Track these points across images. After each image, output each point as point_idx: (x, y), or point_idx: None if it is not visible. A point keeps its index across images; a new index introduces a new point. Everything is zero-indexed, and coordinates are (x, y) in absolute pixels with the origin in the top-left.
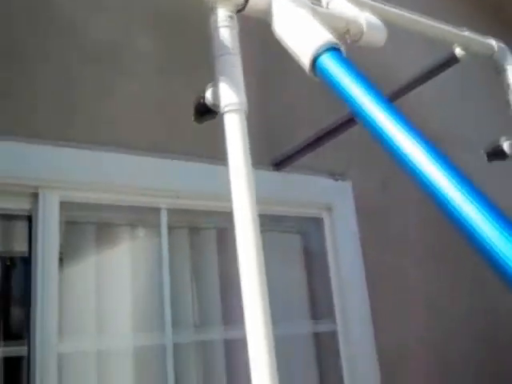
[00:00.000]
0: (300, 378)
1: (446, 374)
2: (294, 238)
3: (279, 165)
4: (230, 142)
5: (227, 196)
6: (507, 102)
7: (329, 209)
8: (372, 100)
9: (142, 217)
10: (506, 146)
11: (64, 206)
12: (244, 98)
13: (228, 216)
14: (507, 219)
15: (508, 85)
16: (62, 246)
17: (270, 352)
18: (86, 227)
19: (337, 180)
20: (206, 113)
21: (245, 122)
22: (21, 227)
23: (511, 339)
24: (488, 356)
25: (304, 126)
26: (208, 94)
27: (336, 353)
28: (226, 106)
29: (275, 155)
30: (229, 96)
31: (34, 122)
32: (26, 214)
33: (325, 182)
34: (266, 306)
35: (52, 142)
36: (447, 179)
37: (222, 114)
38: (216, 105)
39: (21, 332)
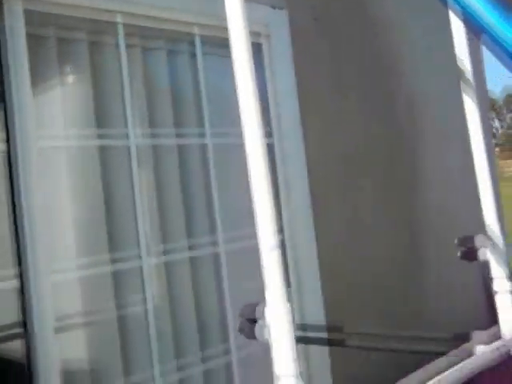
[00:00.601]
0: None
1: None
2: None
3: None
4: None
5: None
6: None
7: (267, 36)
8: None
9: (101, 32)
10: None
11: (26, 16)
12: None
13: (180, 36)
14: None
15: None
16: None
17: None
18: (48, 41)
19: (274, 8)
20: None
21: None
22: None
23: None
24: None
25: None
26: None
27: (273, 163)
28: None
29: None
30: None
31: None
32: None
33: (264, 10)
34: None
35: None
36: None
37: None
38: None
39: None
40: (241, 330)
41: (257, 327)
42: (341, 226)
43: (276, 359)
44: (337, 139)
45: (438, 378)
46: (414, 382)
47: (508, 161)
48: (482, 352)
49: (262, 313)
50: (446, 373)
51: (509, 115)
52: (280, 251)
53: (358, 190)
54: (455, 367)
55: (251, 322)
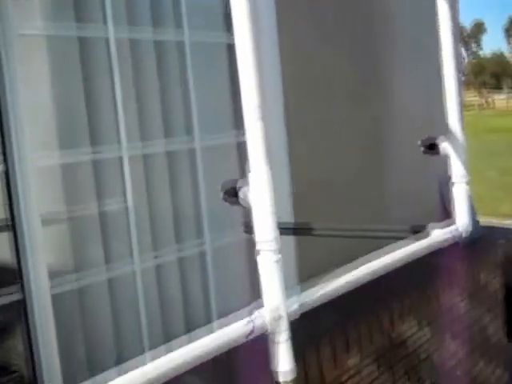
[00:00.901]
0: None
1: None
2: None
3: None
4: None
5: None
6: None
7: None
8: None
9: None
10: None
11: None
12: None
13: None
14: None
15: None
16: None
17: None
18: None
19: None
20: None
21: None
22: None
23: None
24: None
25: None
26: None
27: None
28: None
29: None
30: None
31: None
32: None
33: None
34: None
35: None
36: None
37: None
38: None
39: None
40: (225, 198)
41: (240, 193)
42: (312, 126)
43: (256, 225)
44: (312, 52)
45: (395, 253)
46: (371, 259)
47: (469, 90)
48: (437, 234)
49: (243, 182)
50: (404, 248)
51: (474, 45)
52: (263, 124)
53: (330, 95)
54: (412, 244)
55: (233, 191)
